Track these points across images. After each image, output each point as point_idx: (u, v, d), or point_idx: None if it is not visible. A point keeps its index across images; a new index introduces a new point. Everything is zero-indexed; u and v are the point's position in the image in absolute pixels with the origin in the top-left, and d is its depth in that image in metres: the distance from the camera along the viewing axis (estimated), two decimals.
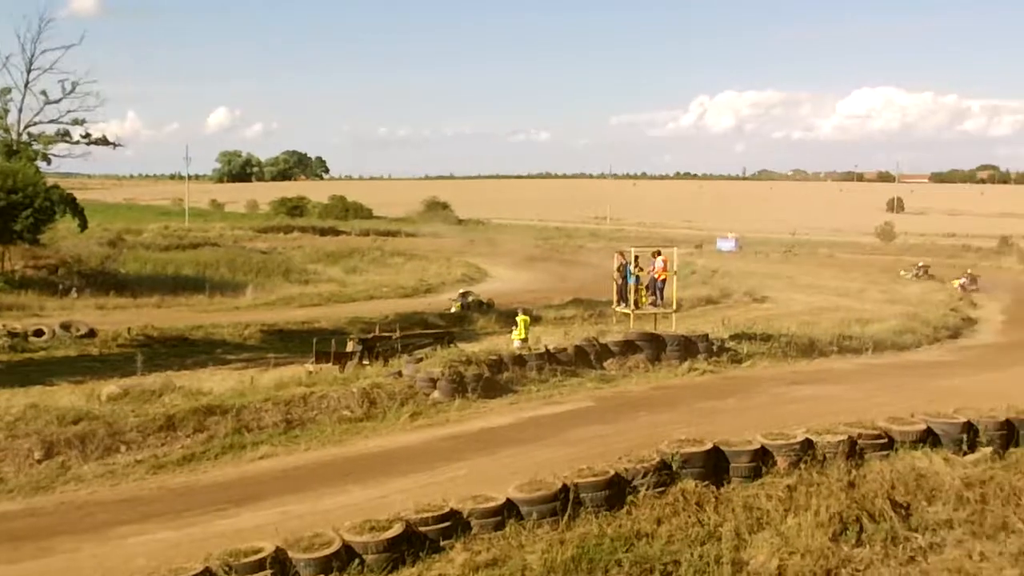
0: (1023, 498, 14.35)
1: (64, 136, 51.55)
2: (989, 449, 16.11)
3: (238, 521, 13.49)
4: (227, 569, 10.80)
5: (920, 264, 59.29)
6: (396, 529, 11.69)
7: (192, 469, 16.51)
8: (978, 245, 78.60)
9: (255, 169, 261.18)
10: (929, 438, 15.95)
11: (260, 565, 10.92)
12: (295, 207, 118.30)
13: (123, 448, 17.11)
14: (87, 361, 28.99)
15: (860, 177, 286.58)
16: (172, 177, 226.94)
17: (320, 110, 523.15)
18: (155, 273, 51.96)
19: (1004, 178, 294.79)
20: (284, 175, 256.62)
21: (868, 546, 12.87)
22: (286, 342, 32.84)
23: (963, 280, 51.18)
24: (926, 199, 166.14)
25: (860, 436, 15.52)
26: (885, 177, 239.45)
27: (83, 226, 49.35)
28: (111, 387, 21.41)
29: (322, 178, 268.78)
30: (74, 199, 48.34)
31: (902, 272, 57.86)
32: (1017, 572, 12.54)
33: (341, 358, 25.74)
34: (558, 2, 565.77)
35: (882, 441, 15.64)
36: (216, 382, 23.88)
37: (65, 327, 32.17)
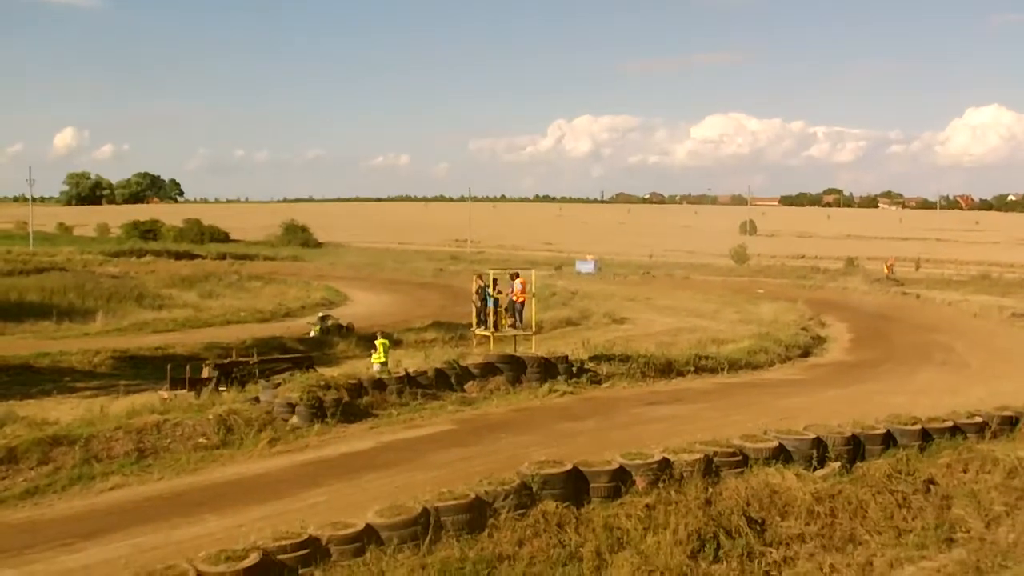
0: (869, 510, 14.89)
1: None
2: (837, 464, 16.66)
3: (86, 556, 12.95)
4: None
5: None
6: (253, 558, 11.37)
7: (36, 503, 15.73)
8: (826, 266, 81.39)
9: (106, 191, 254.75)
10: (781, 454, 16.41)
11: None
12: (148, 230, 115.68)
13: None
14: None
15: (714, 200, 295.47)
16: (16, 199, 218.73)
17: (174, 132, 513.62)
18: None
19: (848, 202, 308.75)
20: (136, 198, 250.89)
21: (725, 562, 13.14)
22: (139, 369, 31.80)
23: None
24: (777, 222, 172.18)
25: (716, 454, 15.85)
26: (738, 200, 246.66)
27: None
28: None
29: (176, 201, 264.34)
30: None
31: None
32: None
33: (196, 384, 25.09)
34: (414, 26, 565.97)
35: (737, 459, 16.00)
36: (63, 411, 22.92)
37: None
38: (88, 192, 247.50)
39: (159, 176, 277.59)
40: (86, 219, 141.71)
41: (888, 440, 17.77)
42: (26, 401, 25.34)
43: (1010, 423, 19.49)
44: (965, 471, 16.92)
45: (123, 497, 16.08)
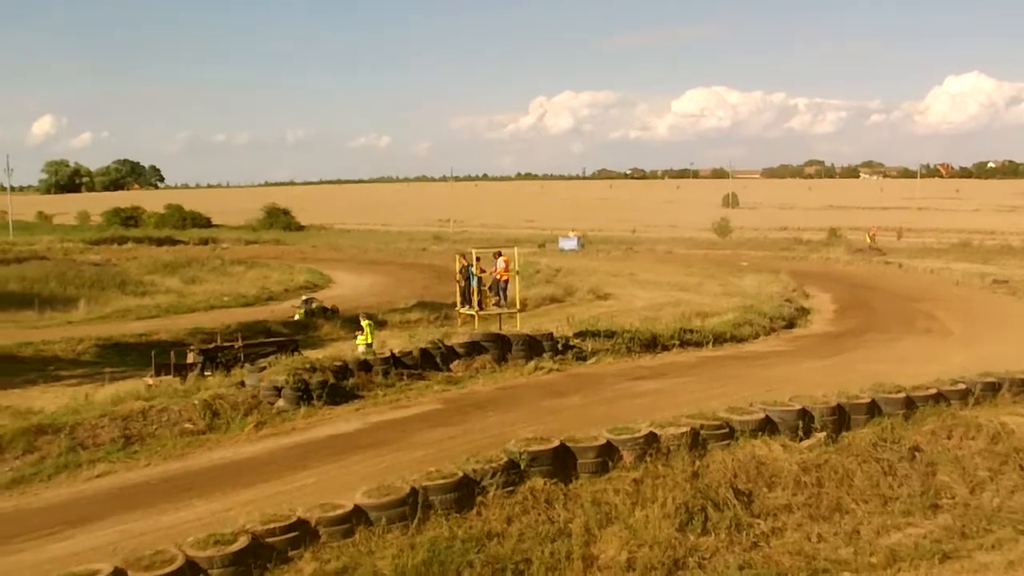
0: (855, 479, 15.01)
1: None
2: (823, 434, 16.77)
3: (74, 543, 12.91)
4: None
5: None
6: (242, 542, 11.40)
7: (23, 492, 15.67)
8: (808, 237, 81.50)
9: (85, 179, 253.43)
10: (768, 426, 16.53)
11: None
12: (129, 217, 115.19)
13: None
14: None
15: (695, 174, 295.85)
16: None
17: (153, 118, 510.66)
18: None
19: (830, 172, 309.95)
20: (116, 185, 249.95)
21: (713, 534, 13.22)
22: (124, 356, 31.63)
23: None
24: (758, 194, 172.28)
25: (702, 427, 15.93)
26: (719, 174, 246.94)
27: None
28: None
29: (157, 187, 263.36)
30: None
31: None
32: (852, 550, 13.07)
33: (182, 370, 25.01)
34: (394, 7, 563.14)
35: (723, 431, 16.09)
36: (48, 400, 22.88)
37: None
38: (67, 180, 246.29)
39: (139, 163, 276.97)
40: (66, 207, 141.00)
41: (873, 409, 17.90)
42: (10, 391, 25.23)
43: (993, 389, 19.65)
44: (949, 438, 17.08)
45: (110, 484, 16.03)
